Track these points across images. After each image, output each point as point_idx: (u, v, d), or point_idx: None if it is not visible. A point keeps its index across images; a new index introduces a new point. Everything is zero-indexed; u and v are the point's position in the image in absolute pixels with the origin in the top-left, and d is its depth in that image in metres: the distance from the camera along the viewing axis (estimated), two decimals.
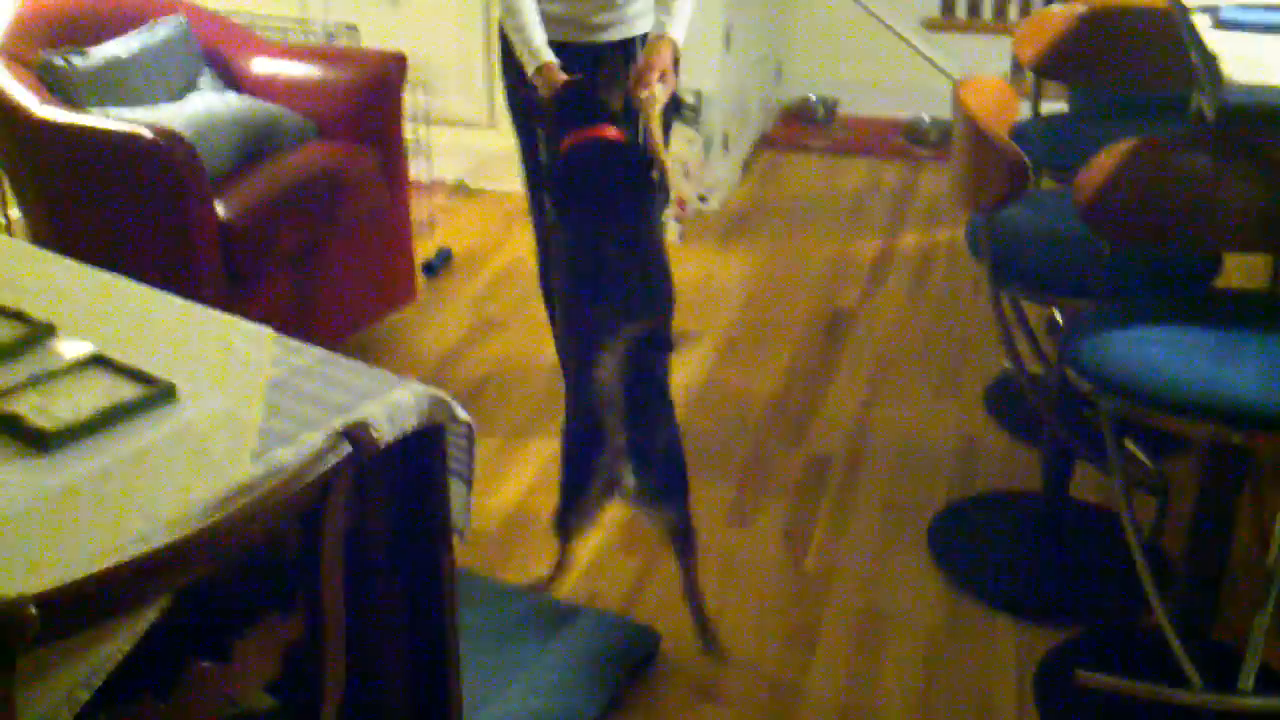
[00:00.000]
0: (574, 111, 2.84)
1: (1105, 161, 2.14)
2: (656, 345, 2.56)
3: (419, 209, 4.13)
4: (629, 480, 2.37)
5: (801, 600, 2.72)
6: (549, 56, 2.92)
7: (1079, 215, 2.18)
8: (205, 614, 1.47)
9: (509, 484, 3.10)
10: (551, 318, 3.34)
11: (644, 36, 3.11)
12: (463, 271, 4.29)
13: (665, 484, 2.44)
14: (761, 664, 2.54)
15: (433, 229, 4.47)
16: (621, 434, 2.35)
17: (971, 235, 2.61)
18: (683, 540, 2.50)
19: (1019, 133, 2.84)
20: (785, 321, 3.96)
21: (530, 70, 2.94)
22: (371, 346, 3.70)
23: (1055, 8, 3.19)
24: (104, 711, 1.35)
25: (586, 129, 2.80)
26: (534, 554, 2.82)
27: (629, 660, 2.50)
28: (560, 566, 2.69)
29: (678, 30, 3.00)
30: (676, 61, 3.04)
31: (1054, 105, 3.50)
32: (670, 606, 2.64)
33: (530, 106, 3.02)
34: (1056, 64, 3.14)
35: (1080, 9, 3.12)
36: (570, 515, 2.52)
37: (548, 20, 2.99)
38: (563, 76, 2.89)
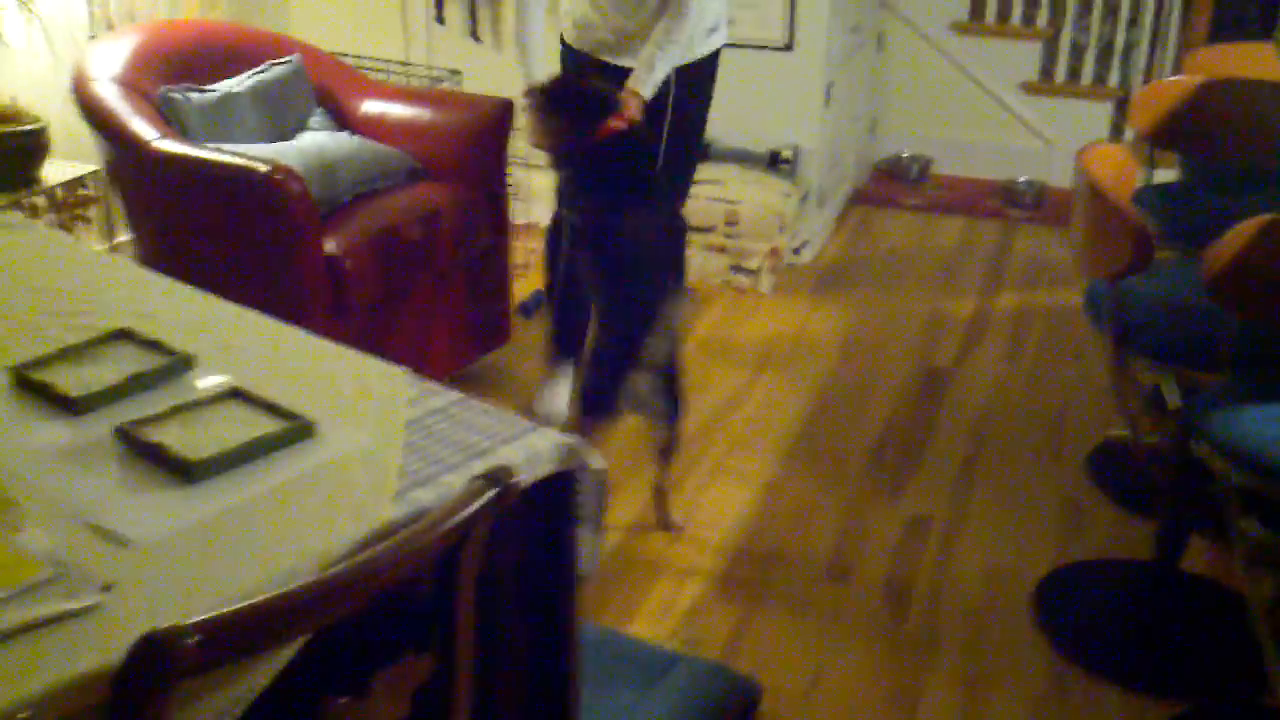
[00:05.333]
0: (590, 102, 3.08)
1: (1236, 238, 2.11)
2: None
3: (516, 251, 4.15)
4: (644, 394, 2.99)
5: (903, 661, 2.68)
6: (541, 76, 3.22)
7: (1206, 289, 2.15)
8: (342, 650, 1.48)
9: (606, 527, 3.09)
10: (552, 261, 3.56)
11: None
12: None
13: (673, 404, 3.05)
14: None
15: (528, 271, 4.50)
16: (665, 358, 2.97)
17: (1091, 303, 2.59)
18: (669, 452, 3.09)
19: (1134, 201, 2.81)
20: (880, 377, 3.94)
21: (525, 83, 3.23)
22: (466, 387, 3.70)
23: (1172, 79, 3.19)
24: None
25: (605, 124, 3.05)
26: (628, 600, 2.81)
27: (730, 712, 2.47)
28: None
29: (646, 89, 3.23)
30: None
31: (1165, 174, 3.48)
32: (771, 656, 2.62)
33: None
34: (1172, 133, 3.12)
35: (1197, 80, 3.11)
36: (615, 398, 3.00)
37: (585, 26, 3.40)
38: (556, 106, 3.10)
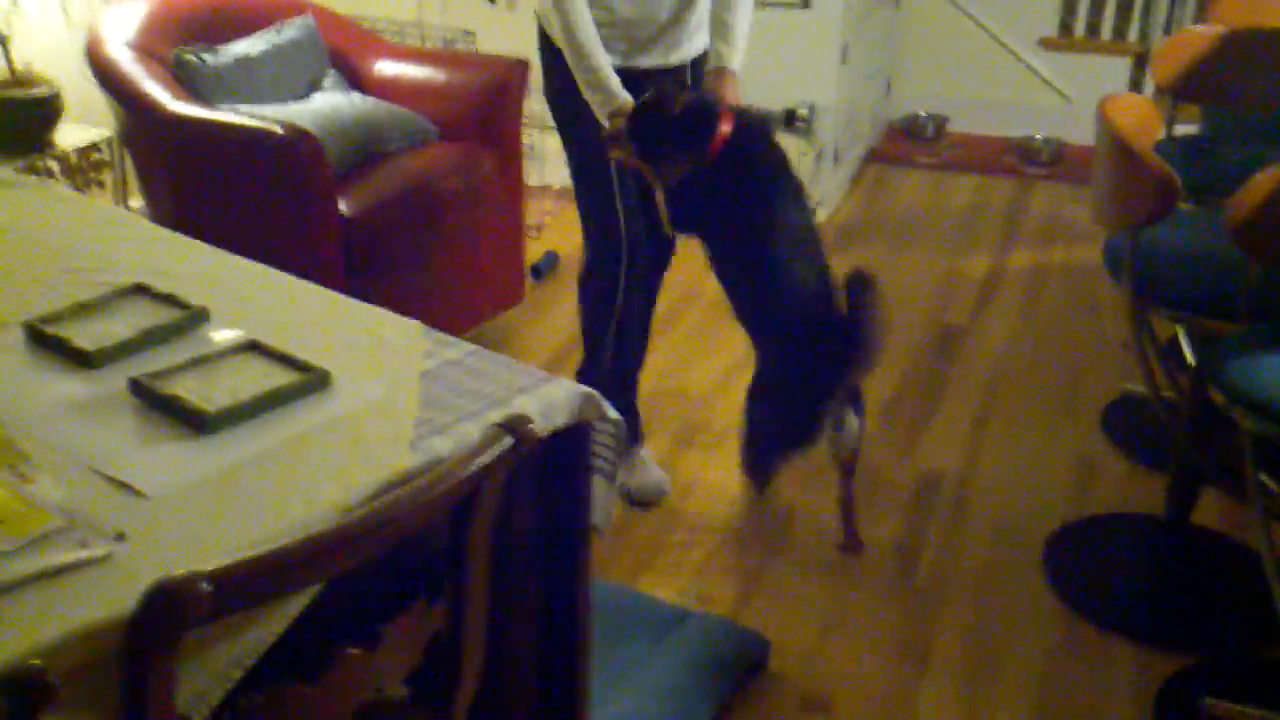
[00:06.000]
0: (691, 124, 2.67)
1: (1262, 185, 2.09)
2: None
3: (529, 212, 4.15)
4: (852, 421, 2.73)
5: (913, 617, 2.69)
6: (625, 94, 2.70)
7: (1232, 236, 2.13)
8: (354, 600, 1.49)
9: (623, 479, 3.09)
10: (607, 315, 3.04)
11: (699, 60, 2.95)
12: (569, 275, 4.29)
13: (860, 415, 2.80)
14: (872, 679, 2.51)
15: (541, 232, 4.49)
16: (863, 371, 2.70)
17: (1111, 255, 2.57)
18: (853, 464, 2.84)
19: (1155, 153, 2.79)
20: (895, 334, 3.90)
21: (606, 111, 2.70)
22: (481, 345, 3.72)
23: (1195, 29, 3.15)
24: (254, 691, 1.37)
25: (716, 135, 2.67)
26: (639, 559, 2.82)
27: (739, 666, 2.48)
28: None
29: (737, 59, 2.86)
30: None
31: (1184, 127, 3.44)
32: (780, 613, 2.63)
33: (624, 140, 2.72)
34: (1194, 85, 3.09)
35: (1220, 30, 3.07)
36: (781, 460, 2.81)
37: (626, 25, 2.81)
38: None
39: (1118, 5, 5.34)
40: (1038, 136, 5.37)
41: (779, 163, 2.72)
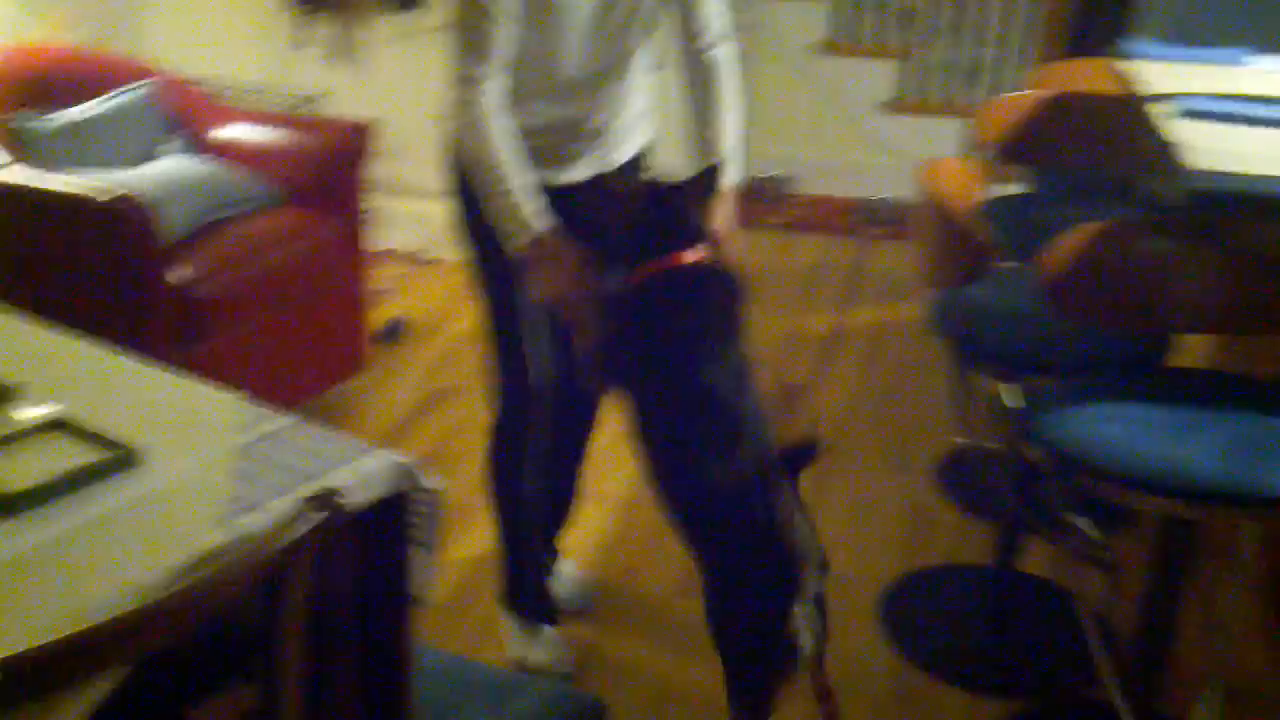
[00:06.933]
0: (653, 233, 2.20)
1: (1069, 243, 2.18)
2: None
3: (375, 277, 4.13)
4: (818, 627, 2.13)
5: None
6: (545, 223, 2.24)
7: (1041, 294, 2.22)
8: (163, 682, 1.46)
9: (457, 556, 3.07)
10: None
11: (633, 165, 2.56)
12: (415, 341, 4.29)
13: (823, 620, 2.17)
14: None
15: (386, 298, 4.47)
16: (815, 575, 2.10)
17: (933, 313, 2.66)
18: (822, 658, 2.20)
19: (980, 213, 2.89)
20: None
21: (518, 242, 2.24)
22: (319, 416, 3.67)
23: (1017, 93, 3.27)
24: None
25: (663, 258, 2.19)
26: (480, 626, 2.82)
27: None
28: None
29: (739, 173, 2.36)
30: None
31: (1009, 186, 3.58)
32: (617, 676, 2.64)
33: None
34: (1018, 147, 3.21)
35: (1042, 95, 3.20)
36: (776, 690, 2.17)
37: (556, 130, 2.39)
38: (568, 250, 2.24)
39: (956, 70, 5.55)
40: (878, 197, 5.53)
41: (721, 315, 2.23)
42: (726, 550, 2.15)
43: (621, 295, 2.20)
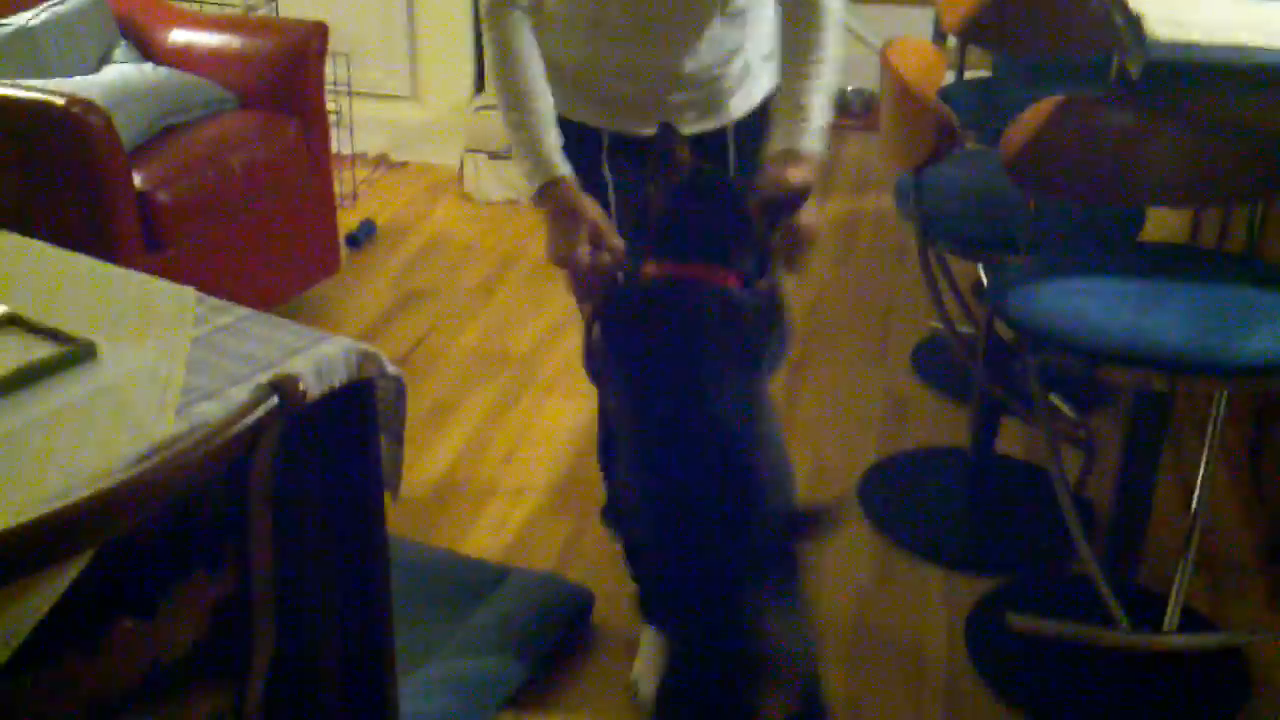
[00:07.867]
0: (683, 230, 1.86)
1: (1031, 118, 2.15)
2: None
3: (342, 182, 4.07)
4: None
5: None
6: (561, 170, 1.99)
7: (1005, 171, 2.19)
8: (131, 571, 1.45)
9: (436, 453, 3.07)
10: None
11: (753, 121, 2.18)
12: (387, 244, 4.24)
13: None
14: None
15: (356, 201, 4.42)
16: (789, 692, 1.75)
17: (900, 195, 2.63)
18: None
19: (944, 96, 2.86)
20: None
21: (532, 184, 1.99)
22: (294, 318, 3.63)
23: None
24: (26, 670, 1.32)
25: (682, 264, 1.85)
26: (461, 521, 2.81)
27: (561, 620, 2.49)
28: None
29: (820, 143, 1.98)
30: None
31: (977, 73, 3.53)
32: (603, 566, 2.64)
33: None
34: (980, 29, 3.16)
35: None
36: None
37: (598, 99, 2.12)
38: (585, 207, 1.96)
39: None
40: (849, 88, 5.46)
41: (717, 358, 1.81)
42: (668, 617, 1.83)
43: (621, 291, 1.94)
